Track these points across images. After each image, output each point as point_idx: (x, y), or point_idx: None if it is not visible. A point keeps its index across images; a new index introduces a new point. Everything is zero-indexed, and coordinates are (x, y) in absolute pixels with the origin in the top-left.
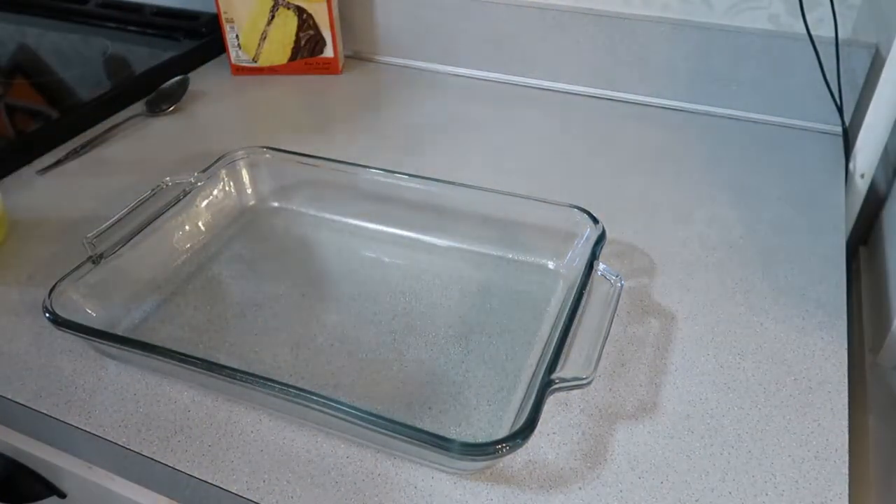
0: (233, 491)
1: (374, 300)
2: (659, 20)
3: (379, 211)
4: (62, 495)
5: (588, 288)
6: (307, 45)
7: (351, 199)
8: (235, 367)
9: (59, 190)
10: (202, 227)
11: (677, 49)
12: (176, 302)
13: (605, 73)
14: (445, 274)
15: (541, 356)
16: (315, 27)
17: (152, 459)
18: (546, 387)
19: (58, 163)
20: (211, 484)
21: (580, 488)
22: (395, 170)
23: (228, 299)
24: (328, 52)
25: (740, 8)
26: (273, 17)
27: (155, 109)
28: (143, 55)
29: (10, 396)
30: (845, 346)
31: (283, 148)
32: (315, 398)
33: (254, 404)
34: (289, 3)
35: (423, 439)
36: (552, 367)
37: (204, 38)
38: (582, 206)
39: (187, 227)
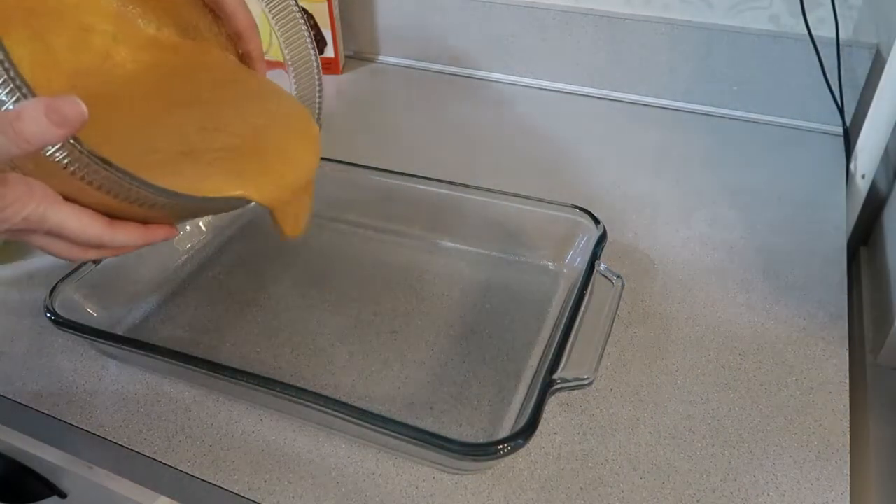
0: (234, 491)
1: (375, 300)
2: (659, 20)
3: (379, 211)
4: (63, 495)
5: (589, 288)
6: None
7: (351, 199)
8: (236, 367)
9: None
10: (203, 227)
11: (677, 49)
12: (176, 302)
13: (605, 73)
14: (446, 274)
15: (542, 356)
16: (315, 27)
17: (153, 459)
18: (547, 387)
19: None
20: (212, 484)
21: (581, 489)
22: (396, 170)
23: (229, 299)
24: (329, 52)
25: (741, 8)
26: None
27: None
28: None
29: (10, 396)
30: (846, 346)
31: None
32: (316, 398)
33: (255, 404)
34: None
35: (424, 439)
36: (553, 367)
37: None
38: (582, 206)
39: (188, 227)
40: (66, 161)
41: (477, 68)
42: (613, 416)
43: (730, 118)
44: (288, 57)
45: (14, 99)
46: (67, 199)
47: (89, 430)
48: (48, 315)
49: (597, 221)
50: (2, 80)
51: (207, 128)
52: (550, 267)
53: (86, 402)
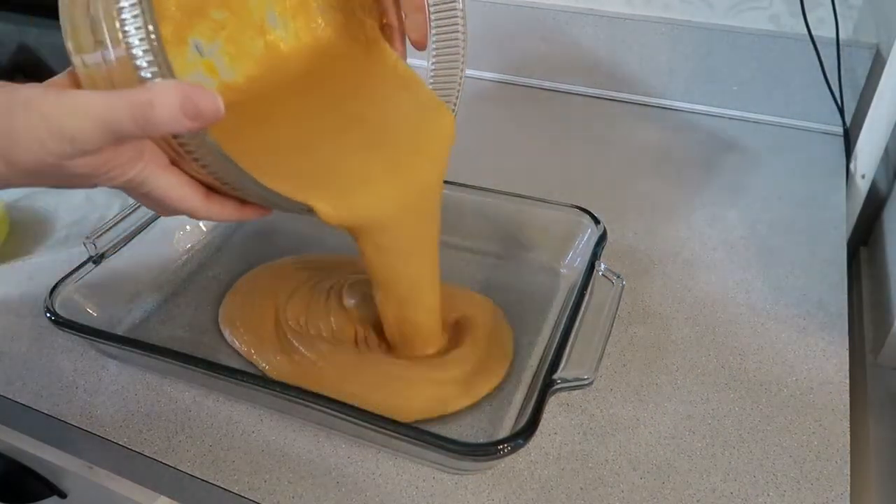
0: (234, 491)
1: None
2: (659, 20)
3: None
4: (63, 495)
5: (589, 288)
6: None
7: None
8: (236, 367)
9: (60, 189)
10: (203, 227)
11: (677, 49)
12: (177, 302)
13: (605, 73)
14: (446, 274)
15: (542, 356)
16: None
17: (153, 459)
18: (547, 387)
19: None
20: (212, 484)
21: (581, 489)
22: None
23: None
24: None
25: (741, 8)
26: None
27: None
28: None
29: (11, 396)
30: (846, 346)
31: None
32: (316, 398)
33: (255, 404)
34: None
35: (424, 439)
36: (553, 367)
37: None
38: (582, 206)
39: (188, 227)
40: (185, 141)
41: (477, 68)
42: (613, 416)
43: (730, 118)
44: (434, 46)
45: (152, 71)
46: (173, 162)
47: (89, 430)
48: (48, 315)
49: (597, 221)
50: (145, 48)
51: (333, 133)
52: (550, 267)
53: (86, 402)
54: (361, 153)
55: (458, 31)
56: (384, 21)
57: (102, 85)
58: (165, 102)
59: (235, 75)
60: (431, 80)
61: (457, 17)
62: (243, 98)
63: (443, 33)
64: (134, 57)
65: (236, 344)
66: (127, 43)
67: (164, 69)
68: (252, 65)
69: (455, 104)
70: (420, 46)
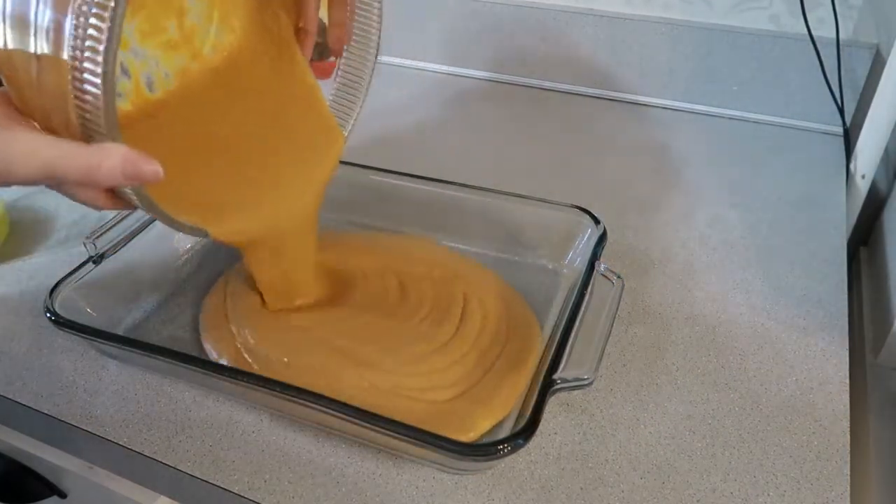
0: (234, 491)
1: None
2: (659, 20)
3: (379, 210)
4: (63, 495)
5: (589, 288)
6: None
7: (351, 199)
8: (236, 367)
9: None
10: None
11: (677, 49)
12: (177, 302)
13: (605, 73)
14: None
15: (542, 356)
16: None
17: (154, 459)
18: (547, 387)
19: None
20: (212, 484)
21: (581, 489)
22: (395, 170)
23: None
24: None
25: (741, 8)
26: None
27: None
28: None
29: (11, 396)
30: (846, 346)
31: None
32: (316, 398)
33: (255, 404)
34: None
35: (424, 439)
36: (553, 367)
37: None
38: (582, 206)
39: None
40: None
41: (476, 68)
42: (613, 416)
43: (730, 118)
44: (343, 65)
45: (95, 129)
46: None
47: (89, 430)
48: (48, 315)
49: (597, 221)
50: (96, 112)
51: (230, 154)
52: (550, 267)
53: (86, 402)
54: (253, 174)
55: (370, 53)
56: (300, 25)
57: (23, 76)
58: (112, 164)
59: (145, 51)
60: (332, 98)
61: (371, 41)
62: (155, 112)
63: (354, 58)
64: (84, 114)
65: (212, 354)
66: (79, 93)
67: (113, 130)
68: (162, 50)
69: (349, 127)
70: (334, 54)
